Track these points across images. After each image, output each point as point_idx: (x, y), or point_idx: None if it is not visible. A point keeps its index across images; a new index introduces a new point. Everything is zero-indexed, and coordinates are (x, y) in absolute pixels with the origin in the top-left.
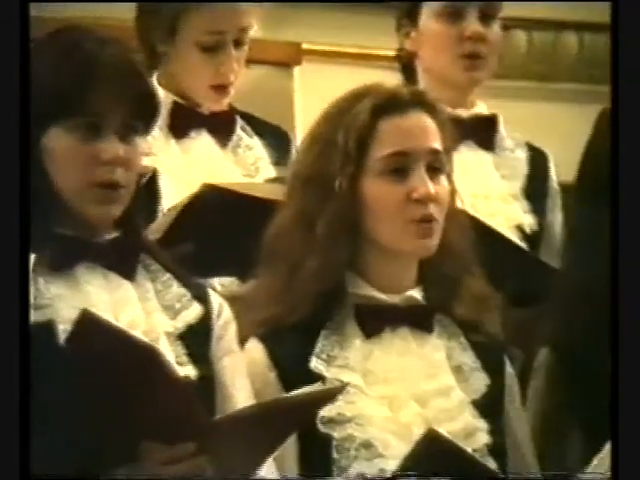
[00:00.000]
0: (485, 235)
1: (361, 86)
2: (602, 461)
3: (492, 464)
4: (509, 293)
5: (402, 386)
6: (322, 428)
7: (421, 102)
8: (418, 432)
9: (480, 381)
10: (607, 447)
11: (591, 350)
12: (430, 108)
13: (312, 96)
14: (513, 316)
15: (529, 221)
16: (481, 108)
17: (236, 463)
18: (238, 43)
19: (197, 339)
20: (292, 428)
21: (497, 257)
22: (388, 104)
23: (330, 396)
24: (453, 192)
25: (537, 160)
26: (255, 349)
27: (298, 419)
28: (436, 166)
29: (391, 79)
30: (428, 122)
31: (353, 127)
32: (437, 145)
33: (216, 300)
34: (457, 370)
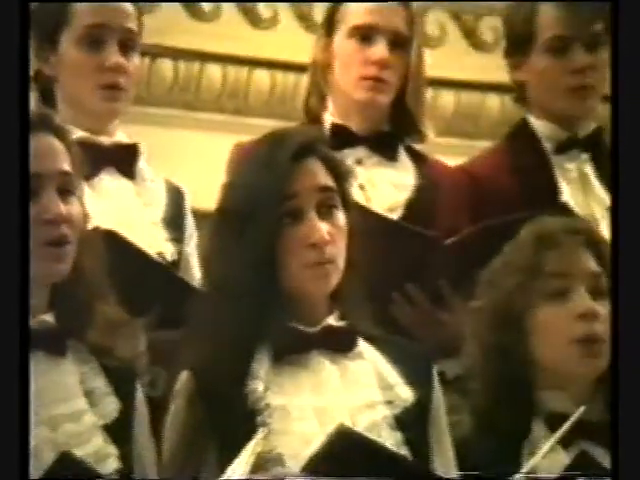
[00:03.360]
0: (133, 257)
1: None
2: (235, 469)
3: None
4: (156, 315)
5: (34, 410)
6: None
7: (49, 125)
8: (48, 456)
9: (111, 405)
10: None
11: (228, 371)
12: (58, 131)
13: None
14: (159, 338)
15: (169, 249)
16: (122, 136)
17: None
18: None
19: None
20: None
21: (146, 279)
22: None
23: None
24: (85, 215)
25: (175, 189)
26: None
27: None
28: (67, 188)
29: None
30: (56, 145)
31: None
32: (67, 167)
33: None
34: (89, 394)
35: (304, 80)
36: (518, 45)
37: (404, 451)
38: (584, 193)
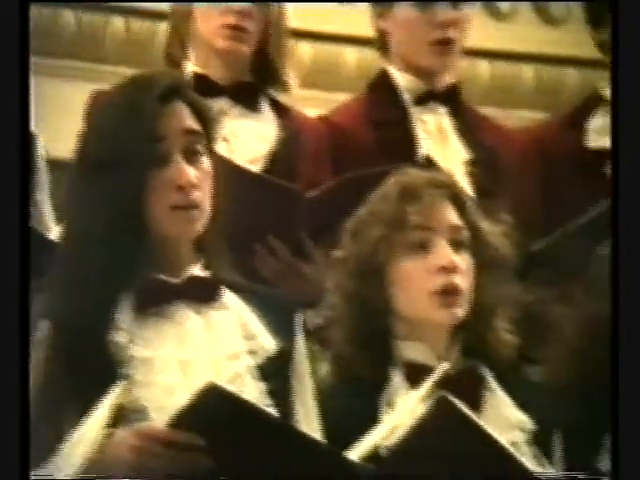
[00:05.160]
0: None
1: None
2: (91, 422)
3: None
4: None
5: None
6: None
7: None
8: None
9: None
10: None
11: (90, 322)
12: None
13: None
14: None
15: None
16: None
17: None
18: None
19: None
20: None
21: None
22: None
23: None
24: None
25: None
26: None
27: None
28: None
29: None
30: None
31: None
32: None
33: None
34: None
35: (161, 27)
36: None
37: (267, 401)
38: (442, 146)
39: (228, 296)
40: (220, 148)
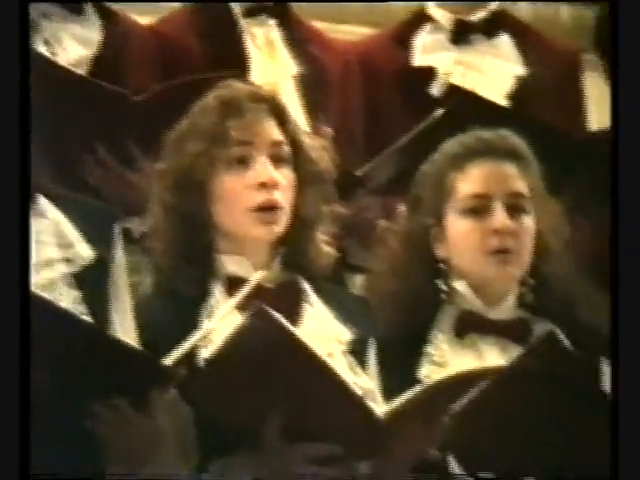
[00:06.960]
0: None
1: None
2: None
3: None
4: None
5: None
6: None
7: None
8: None
9: None
10: None
11: None
12: None
13: None
14: None
15: None
16: None
17: None
18: None
19: None
20: None
21: None
22: None
23: None
24: None
25: None
26: None
27: None
28: None
29: None
30: None
31: None
32: None
33: None
34: None
35: None
36: None
37: (82, 309)
38: (270, 59)
39: (44, 204)
40: (42, 51)
